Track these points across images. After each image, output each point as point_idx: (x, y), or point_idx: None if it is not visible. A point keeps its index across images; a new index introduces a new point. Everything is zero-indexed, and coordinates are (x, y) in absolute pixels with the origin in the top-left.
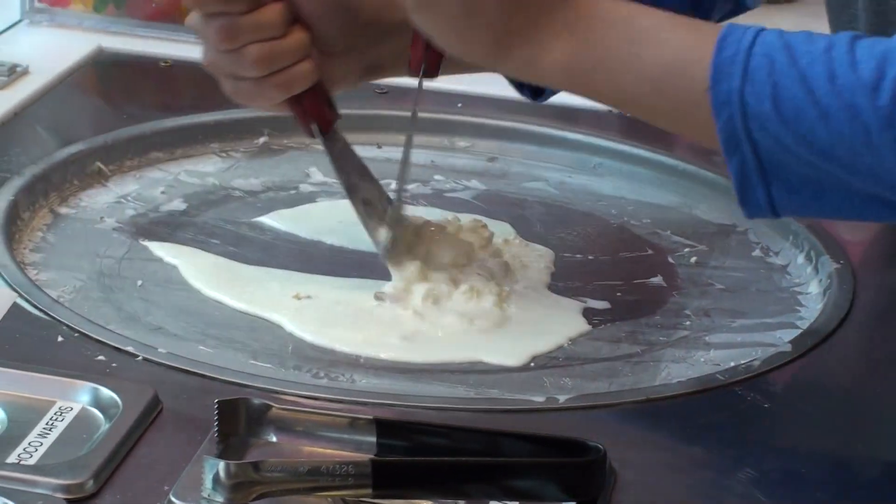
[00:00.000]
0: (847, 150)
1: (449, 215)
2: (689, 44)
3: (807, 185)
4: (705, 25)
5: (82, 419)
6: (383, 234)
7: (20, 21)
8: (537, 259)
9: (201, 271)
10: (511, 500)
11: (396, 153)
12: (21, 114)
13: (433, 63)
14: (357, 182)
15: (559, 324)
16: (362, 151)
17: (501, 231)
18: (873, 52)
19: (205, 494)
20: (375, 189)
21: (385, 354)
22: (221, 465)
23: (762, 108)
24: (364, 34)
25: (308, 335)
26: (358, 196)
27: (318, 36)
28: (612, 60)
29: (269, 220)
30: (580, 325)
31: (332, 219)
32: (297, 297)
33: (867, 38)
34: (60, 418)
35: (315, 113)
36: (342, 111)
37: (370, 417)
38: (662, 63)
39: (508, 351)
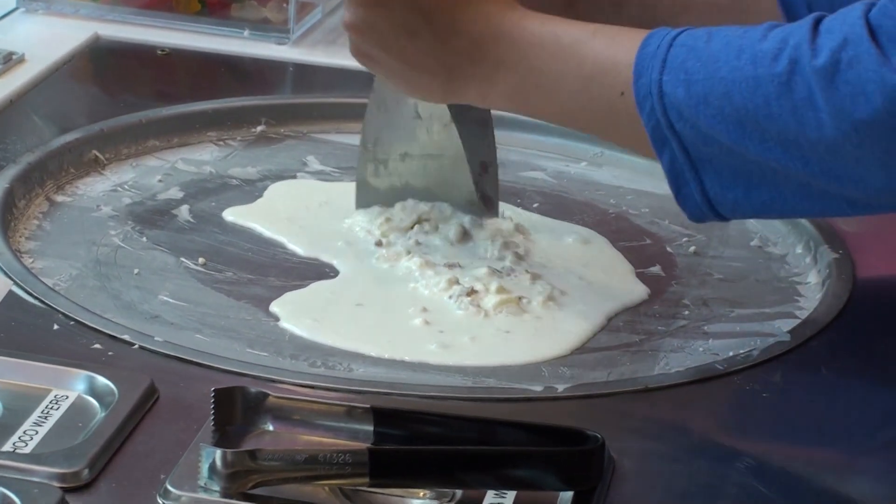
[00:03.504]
0: (753, 125)
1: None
2: (609, 52)
3: (737, 178)
4: (632, 32)
5: (78, 407)
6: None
7: (16, 9)
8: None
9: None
10: (509, 489)
11: None
12: (17, 102)
13: None
14: None
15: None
16: (359, 140)
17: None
18: (787, 27)
19: (201, 483)
20: None
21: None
22: (218, 453)
23: (676, 94)
24: None
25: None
26: None
27: None
28: (543, 82)
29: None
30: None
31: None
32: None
33: (796, 22)
34: (56, 407)
35: None
36: (344, 100)
37: (367, 406)
38: (583, 75)
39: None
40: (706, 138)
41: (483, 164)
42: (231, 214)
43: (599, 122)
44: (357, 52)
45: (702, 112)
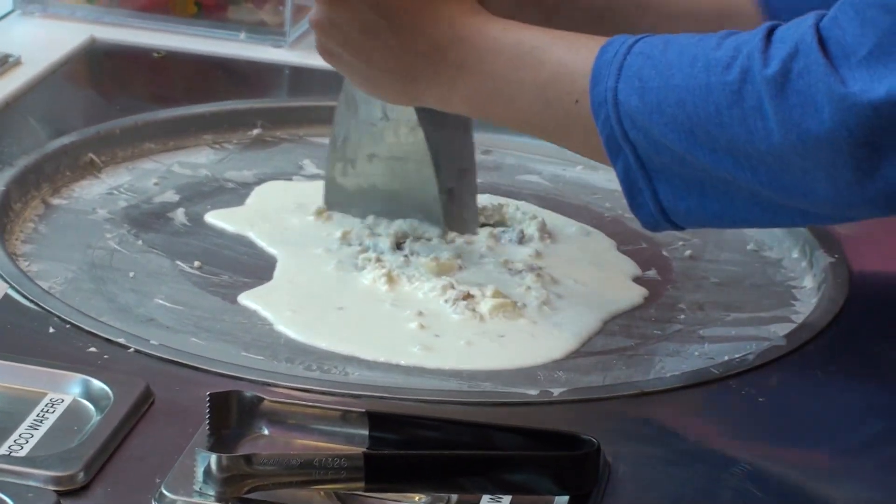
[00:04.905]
0: (704, 133)
1: None
2: (567, 58)
3: (690, 188)
4: (591, 39)
5: (73, 411)
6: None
7: (12, 11)
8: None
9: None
10: (504, 493)
11: None
12: (13, 104)
13: None
14: None
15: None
16: None
17: None
18: (741, 35)
19: (196, 487)
20: None
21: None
22: (213, 457)
23: (630, 102)
24: None
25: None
26: None
27: None
28: (503, 88)
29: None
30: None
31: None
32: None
33: (751, 31)
34: (51, 410)
35: None
36: (336, 102)
37: (362, 410)
38: (540, 82)
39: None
40: (659, 147)
41: (462, 171)
42: (213, 217)
43: (555, 130)
44: (322, 50)
45: (655, 120)
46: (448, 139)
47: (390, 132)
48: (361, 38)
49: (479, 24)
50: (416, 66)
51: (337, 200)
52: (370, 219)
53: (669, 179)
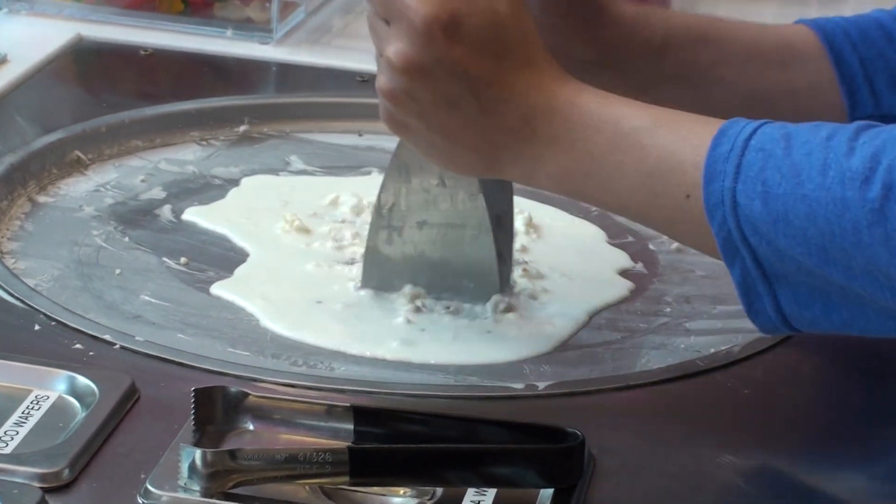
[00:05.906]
0: (839, 251)
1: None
2: (675, 146)
3: (815, 296)
4: (699, 123)
5: (59, 408)
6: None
7: None
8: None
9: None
10: (490, 486)
11: (377, 141)
12: None
13: None
14: None
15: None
16: (343, 139)
17: None
18: (876, 139)
19: (182, 483)
20: None
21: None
22: (198, 453)
23: (753, 207)
24: None
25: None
26: None
27: None
28: (600, 169)
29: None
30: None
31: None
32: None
33: (883, 126)
34: (37, 407)
35: None
36: (327, 99)
37: (347, 405)
38: (644, 170)
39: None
40: (783, 256)
41: (498, 217)
42: (190, 214)
43: (662, 222)
44: (390, 120)
45: (780, 230)
46: (488, 185)
47: (446, 199)
48: (441, 111)
49: (571, 96)
50: (500, 140)
51: (377, 273)
52: (407, 288)
53: (793, 287)
